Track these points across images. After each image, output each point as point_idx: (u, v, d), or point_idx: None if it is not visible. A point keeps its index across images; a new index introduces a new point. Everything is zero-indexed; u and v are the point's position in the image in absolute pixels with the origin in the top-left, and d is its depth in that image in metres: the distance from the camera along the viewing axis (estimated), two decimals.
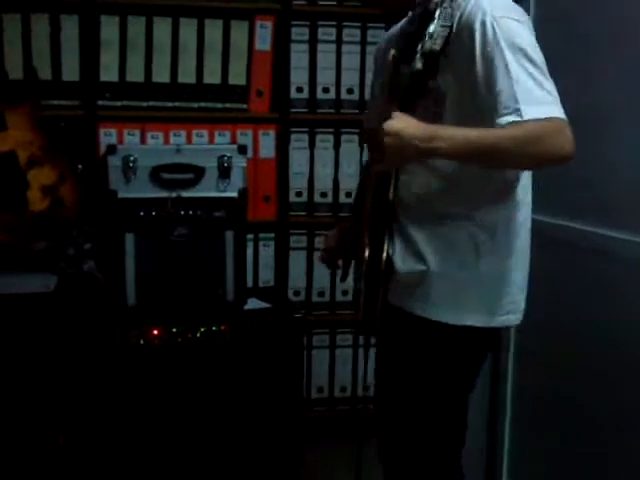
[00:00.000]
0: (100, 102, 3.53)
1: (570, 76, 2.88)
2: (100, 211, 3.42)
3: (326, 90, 3.77)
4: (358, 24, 3.75)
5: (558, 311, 3.00)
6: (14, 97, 3.32)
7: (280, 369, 3.34)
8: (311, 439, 3.51)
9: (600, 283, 2.80)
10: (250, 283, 3.68)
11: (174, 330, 3.23)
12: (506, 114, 1.93)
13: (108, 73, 3.53)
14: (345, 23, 3.75)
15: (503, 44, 1.96)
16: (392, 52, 2.08)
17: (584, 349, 2.86)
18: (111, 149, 3.31)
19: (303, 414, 3.53)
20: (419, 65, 1.96)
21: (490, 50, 1.97)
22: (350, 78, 3.78)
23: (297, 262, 3.80)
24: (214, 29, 3.61)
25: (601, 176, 2.80)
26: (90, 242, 3.43)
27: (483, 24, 1.98)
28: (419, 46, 1.95)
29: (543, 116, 1.92)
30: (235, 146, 3.46)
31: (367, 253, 2.19)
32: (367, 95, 3.78)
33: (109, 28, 3.50)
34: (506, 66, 1.95)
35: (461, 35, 2.00)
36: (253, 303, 3.47)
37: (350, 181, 3.78)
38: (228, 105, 3.67)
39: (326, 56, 3.75)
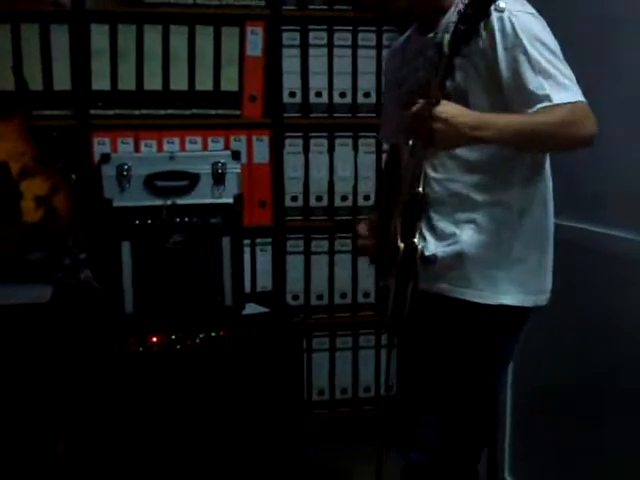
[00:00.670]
0: (92, 111, 3.52)
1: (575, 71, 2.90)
2: (95, 220, 3.40)
3: (319, 94, 3.77)
4: (349, 28, 3.75)
5: (558, 307, 3.00)
6: (4, 108, 3.31)
7: (280, 373, 3.33)
8: (313, 441, 3.50)
9: (600, 281, 2.80)
10: (248, 288, 3.67)
11: (173, 337, 3.22)
12: (537, 102, 2.03)
13: (100, 82, 3.52)
14: (336, 27, 3.74)
15: (523, 37, 2.05)
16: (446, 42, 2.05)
17: (584, 344, 2.86)
18: (105, 158, 3.29)
19: (304, 417, 3.52)
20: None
21: (511, 44, 2.06)
22: (343, 82, 3.78)
23: (295, 266, 3.79)
24: (205, 36, 3.60)
25: (598, 175, 2.80)
26: (86, 252, 3.41)
27: (501, 19, 2.05)
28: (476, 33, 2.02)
29: (572, 100, 2.03)
30: (229, 152, 3.44)
31: (402, 246, 2.19)
32: (360, 99, 3.80)
33: (99, 37, 3.49)
34: (529, 58, 2.04)
35: (479, 33, 2.06)
36: (251, 308, 3.46)
37: (345, 184, 3.79)
38: (221, 111, 3.66)
39: (318, 60, 3.75)
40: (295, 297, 3.83)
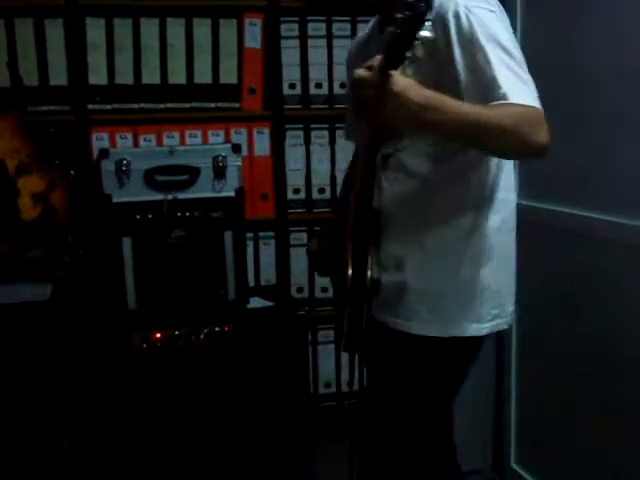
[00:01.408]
0: (90, 106, 3.47)
1: (555, 60, 2.88)
2: (95, 216, 3.37)
3: (319, 85, 3.72)
4: (348, 18, 3.71)
5: (555, 295, 3.00)
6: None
7: (286, 366, 3.30)
8: (320, 434, 3.47)
9: (591, 266, 2.81)
10: (252, 282, 3.64)
11: (177, 333, 3.19)
12: (491, 101, 1.90)
13: (97, 76, 3.47)
14: (334, 18, 3.70)
15: (479, 35, 1.93)
16: (377, 59, 1.85)
17: (583, 332, 2.88)
18: (103, 153, 3.27)
19: (311, 409, 3.51)
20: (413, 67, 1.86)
21: (466, 42, 1.94)
22: (342, 73, 3.70)
23: (298, 259, 3.75)
24: (202, 28, 3.56)
25: (587, 160, 2.80)
26: (85, 248, 3.38)
27: (457, 16, 1.94)
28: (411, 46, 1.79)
29: (527, 103, 1.90)
30: (229, 145, 3.41)
31: (350, 271, 2.12)
32: None
33: (95, 31, 3.44)
34: (485, 58, 1.92)
35: (435, 28, 1.89)
36: (256, 302, 3.43)
37: None
38: (220, 104, 3.62)
39: (317, 51, 3.71)
40: (299, 290, 3.79)
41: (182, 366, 3.19)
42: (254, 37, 3.63)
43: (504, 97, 1.88)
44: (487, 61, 1.91)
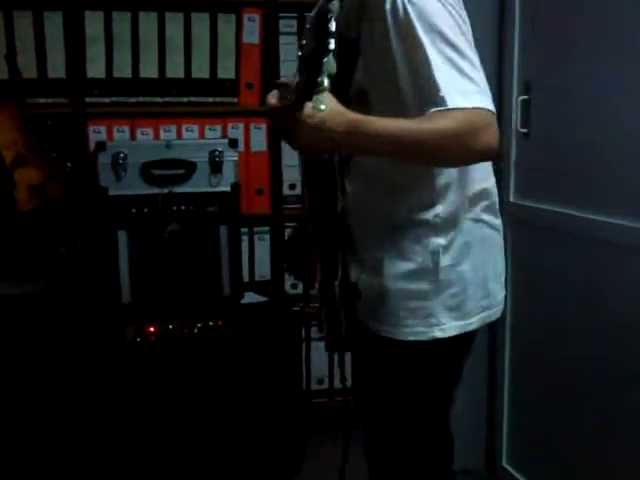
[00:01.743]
0: (88, 99, 3.48)
1: (556, 58, 2.88)
2: (91, 209, 3.38)
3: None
4: None
5: (547, 294, 3.01)
6: None
7: (279, 362, 3.31)
8: (312, 430, 3.48)
9: (584, 265, 2.81)
10: (246, 277, 3.65)
11: (170, 326, 3.20)
12: (431, 105, 1.73)
13: (95, 70, 3.48)
14: None
15: (417, 26, 1.73)
16: (295, 81, 1.74)
17: (576, 331, 2.87)
18: (100, 146, 3.28)
19: (303, 406, 3.52)
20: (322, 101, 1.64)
21: (404, 33, 1.75)
22: None
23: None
24: (201, 23, 3.57)
25: (581, 159, 2.79)
26: (81, 241, 3.39)
27: (394, 3, 1.75)
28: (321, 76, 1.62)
29: (470, 105, 1.72)
30: (226, 140, 3.43)
31: (318, 283, 2.05)
32: None
33: (94, 24, 3.45)
34: (423, 51, 1.73)
35: (372, 23, 1.80)
36: (250, 297, 3.45)
37: None
38: (218, 99, 3.63)
39: None
40: (294, 286, 3.78)
41: (175, 360, 3.20)
42: (252, 32, 3.64)
43: (442, 101, 1.71)
44: (426, 59, 1.73)
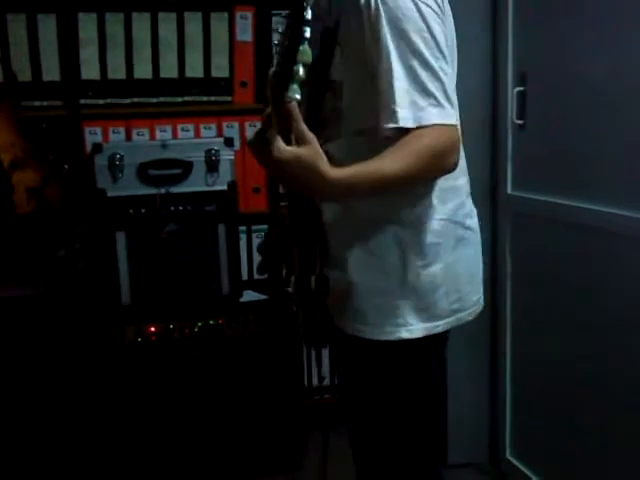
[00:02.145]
0: (83, 101, 3.48)
1: (551, 49, 2.89)
2: (89, 211, 3.38)
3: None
4: None
5: (558, 284, 3.00)
6: None
7: (279, 359, 3.32)
8: (314, 426, 3.48)
9: (582, 255, 2.80)
10: (245, 275, 3.66)
11: (171, 326, 3.21)
12: (386, 116, 1.73)
13: (89, 71, 3.48)
14: None
15: (386, 30, 1.71)
16: (271, 71, 1.64)
17: (577, 323, 2.86)
18: (97, 148, 3.28)
19: (305, 402, 3.52)
20: (297, 95, 1.55)
21: (374, 36, 1.73)
22: None
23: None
24: (194, 22, 3.57)
25: (577, 150, 2.80)
26: (80, 242, 3.39)
27: (368, 3, 1.73)
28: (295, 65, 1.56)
29: (414, 124, 1.71)
30: (222, 139, 3.43)
31: (295, 274, 1.97)
32: None
33: (87, 26, 3.45)
34: (388, 58, 1.72)
35: (348, 13, 1.77)
36: (249, 295, 3.46)
37: None
38: (212, 98, 3.63)
39: None
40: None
41: (176, 359, 3.21)
42: (245, 30, 3.64)
43: (393, 115, 1.71)
44: (389, 65, 1.72)
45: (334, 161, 1.69)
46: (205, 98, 3.62)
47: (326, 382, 3.78)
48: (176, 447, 3.23)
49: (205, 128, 3.59)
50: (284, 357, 3.33)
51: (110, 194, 3.25)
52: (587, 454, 2.87)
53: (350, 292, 1.93)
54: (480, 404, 3.45)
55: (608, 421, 2.73)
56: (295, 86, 1.54)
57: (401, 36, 1.71)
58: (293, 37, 1.52)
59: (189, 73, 3.59)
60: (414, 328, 1.92)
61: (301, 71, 1.53)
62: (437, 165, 1.76)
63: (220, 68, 3.63)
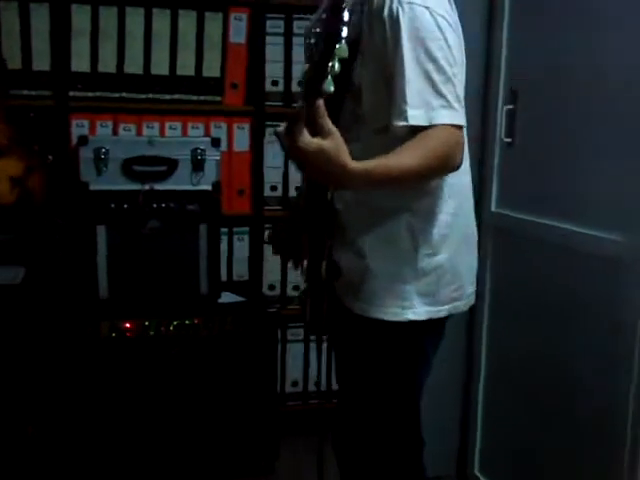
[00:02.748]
0: (72, 93, 3.46)
1: (542, 68, 2.90)
2: (71, 203, 3.36)
3: (302, 84, 3.72)
4: None
5: (525, 300, 3.02)
6: None
7: (254, 363, 3.32)
8: (285, 433, 3.48)
9: (565, 276, 2.81)
10: (224, 277, 3.65)
11: (147, 323, 3.20)
12: (396, 115, 1.89)
13: (79, 63, 3.46)
14: None
15: (404, 36, 1.88)
16: (305, 68, 1.84)
17: (550, 341, 2.88)
18: (82, 140, 3.27)
19: (277, 408, 3.51)
20: (330, 88, 1.68)
21: (394, 43, 1.89)
22: None
23: (272, 256, 3.71)
24: (188, 20, 3.56)
25: (563, 170, 2.81)
26: (60, 234, 3.38)
27: (390, 11, 1.89)
28: (331, 61, 1.70)
29: (426, 123, 1.87)
30: (209, 139, 3.43)
31: (307, 259, 2.17)
32: None
33: (80, 17, 3.44)
34: (402, 61, 1.88)
35: (372, 22, 1.93)
36: (227, 297, 3.45)
37: None
38: (202, 97, 3.62)
39: (301, 49, 3.66)
40: (271, 287, 3.79)
41: (150, 357, 3.20)
42: (239, 32, 3.64)
43: (404, 116, 1.87)
44: (403, 68, 1.88)
45: (354, 159, 1.82)
46: (194, 97, 3.61)
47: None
48: (147, 446, 3.22)
49: (193, 127, 3.59)
50: (259, 359, 3.32)
51: (93, 187, 3.23)
52: (555, 471, 2.88)
53: (363, 275, 2.09)
54: (450, 418, 3.46)
55: (577, 440, 2.75)
56: (330, 80, 1.67)
57: (418, 43, 1.88)
58: (331, 36, 1.67)
59: (180, 71, 3.59)
60: (419, 311, 2.09)
61: (337, 66, 1.67)
62: (445, 163, 1.93)
63: (211, 68, 3.62)
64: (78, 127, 3.45)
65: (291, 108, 3.66)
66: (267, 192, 3.73)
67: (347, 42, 1.67)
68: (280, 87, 3.71)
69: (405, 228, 2.07)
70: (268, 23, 3.66)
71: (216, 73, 3.63)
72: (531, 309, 2.99)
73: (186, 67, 3.59)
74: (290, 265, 2.53)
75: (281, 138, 1.79)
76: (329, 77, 1.67)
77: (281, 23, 3.67)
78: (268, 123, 3.70)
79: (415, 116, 1.87)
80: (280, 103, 3.72)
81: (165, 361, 3.21)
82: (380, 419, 2.23)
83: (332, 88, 1.68)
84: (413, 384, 2.24)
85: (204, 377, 3.25)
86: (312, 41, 1.90)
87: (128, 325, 3.18)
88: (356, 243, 2.10)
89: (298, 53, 3.69)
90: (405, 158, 1.86)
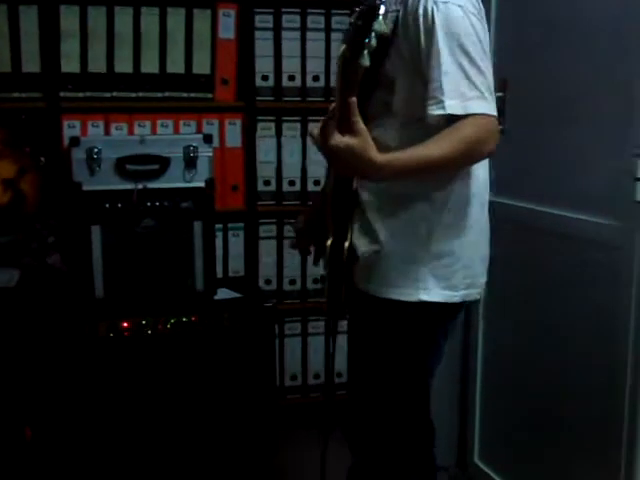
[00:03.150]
0: (62, 94, 3.46)
1: (534, 61, 2.90)
2: (64, 204, 3.37)
3: (292, 78, 3.73)
4: (322, 11, 3.72)
5: (522, 288, 3.02)
6: None
7: (252, 358, 3.32)
8: (285, 426, 3.49)
9: (560, 262, 2.84)
10: (220, 273, 3.65)
11: (144, 322, 3.20)
12: (432, 104, 1.99)
13: (69, 64, 3.46)
14: (309, 10, 3.71)
15: (439, 32, 1.98)
16: (342, 48, 1.97)
17: (547, 322, 2.91)
18: (74, 141, 3.26)
19: (276, 402, 3.53)
20: (366, 62, 1.87)
21: (428, 37, 2.00)
22: (315, 65, 3.75)
23: (267, 251, 3.78)
24: (176, 18, 3.56)
25: (555, 157, 2.83)
26: (54, 235, 3.38)
27: (425, 9, 1.99)
28: (365, 42, 1.89)
29: (463, 112, 1.97)
30: (201, 136, 3.42)
31: (330, 242, 2.22)
32: (333, 82, 3.77)
33: (69, 18, 3.43)
34: (439, 55, 1.98)
35: (407, 20, 2.03)
36: (223, 293, 3.45)
37: (318, 169, 3.74)
38: (193, 94, 3.62)
39: (291, 44, 3.72)
40: (267, 282, 3.81)
41: (148, 355, 3.20)
42: (228, 28, 3.64)
43: (442, 105, 1.97)
44: (439, 62, 1.98)
45: (383, 148, 1.96)
46: (185, 94, 3.61)
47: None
48: (146, 443, 3.22)
49: (184, 125, 3.58)
50: (257, 354, 3.32)
51: (87, 188, 3.23)
52: (555, 460, 2.89)
53: (379, 258, 2.18)
54: (449, 408, 3.46)
55: (576, 427, 2.76)
56: (366, 53, 1.84)
57: (452, 38, 1.98)
58: (369, 12, 1.84)
59: (170, 69, 3.58)
60: (433, 292, 2.17)
61: (374, 41, 1.83)
62: (479, 151, 2.03)
63: (201, 65, 3.62)
64: (70, 128, 3.45)
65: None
66: (260, 187, 3.74)
67: (384, 18, 1.84)
68: (270, 82, 3.71)
69: (421, 216, 2.15)
70: (257, 18, 3.66)
71: (206, 70, 3.63)
72: (526, 295, 3.00)
73: (176, 64, 3.59)
74: (310, 258, 2.60)
75: (315, 137, 1.96)
76: (365, 51, 1.83)
77: (270, 18, 3.68)
78: (259, 118, 3.71)
79: (452, 105, 1.96)
80: (271, 98, 3.73)
81: (163, 359, 3.21)
82: (391, 402, 2.29)
83: (368, 62, 1.85)
84: (424, 368, 2.30)
85: (203, 374, 3.25)
86: (352, 20, 2.00)
87: (125, 324, 3.18)
88: (373, 228, 2.18)
89: (288, 47, 3.72)
90: (434, 147, 1.97)
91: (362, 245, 2.19)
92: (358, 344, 2.38)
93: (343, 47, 1.93)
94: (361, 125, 1.88)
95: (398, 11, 2.04)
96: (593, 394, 2.66)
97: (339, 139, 1.88)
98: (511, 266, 3.07)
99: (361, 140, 1.88)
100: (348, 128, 1.88)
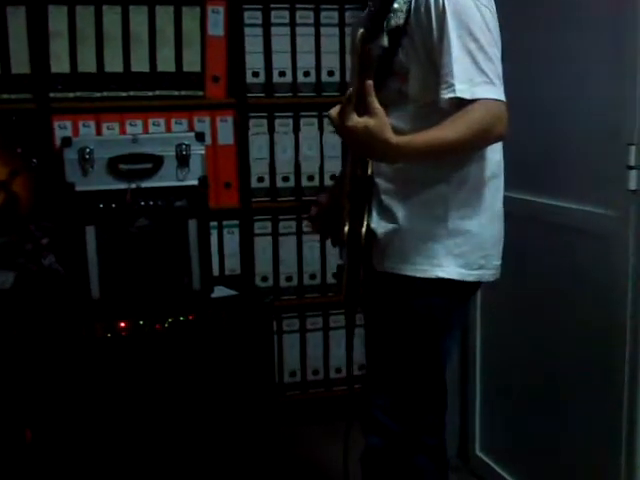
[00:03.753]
0: (53, 94, 3.44)
1: (526, 54, 2.90)
2: (57, 205, 3.35)
3: (282, 74, 3.73)
4: (311, 6, 3.72)
5: (523, 281, 3.02)
6: None
7: (250, 355, 3.31)
8: (285, 423, 3.48)
9: (553, 251, 2.86)
10: (216, 271, 3.63)
11: (141, 322, 3.19)
12: (444, 88, 2.07)
13: (59, 64, 3.44)
14: (298, 5, 3.70)
15: (449, 20, 2.05)
16: (360, 31, 2.04)
17: (542, 311, 2.93)
18: (66, 141, 3.24)
19: (276, 399, 3.52)
20: (385, 42, 2.08)
21: (439, 26, 2.07)
22: (306, 61, 3.74)
23: (263, 248, 3.77)
24: (165, 16, 3.54)
25: (548, 149, 2.85)
26: (48, 236, 3.36)
27: (437, 3, 2.07)
28: (384, 23, 2.11)
29: (470, 97, 2.04)
30: (193, 134, 3.40)
31: (347, 228, 2.26)
32: (324, 77, 3.77)
33: (57, 18, 3.41)
34: (449, 42, 2.06)
35: (419, 10, 2.11)
36: (220, 291, 3.43)
37: (311, 164, 3.77)
38: (184, 92, 3.61)
39: (281, 39, 3.71)
40: (264, 279, 3.80)
41: (146, 355, 3.19)
42: (217, 25, 3.63)
43: (452, 89, 2.04)
44: (449, 49, 2.05)
45: (398, 133, 2.03)
46: (176, 92, 3.60)
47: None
48: (146, 443, 3.21)
49: (176, 123, 3.57)
50: (255, 353, 3.32)
51: (80, 188, 3.21)
52: (556, 450, 2.89)
53: (394, 236, 2.25)
54: (450, 399, 3.46)
55: (578, 418, 2.75)
56: (385, 35, 2.06)
57: (462, 26, 2.06)
58: (385, 3, 2.11)
59: (160, 67, 3.57)
60: (449, 270, 2.23)
61: (392, 21, 2.06)
62: (489, 134, 2.08)
63: (192, 62, 3.60)
64: (61, 128, 3.43)
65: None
66: (254, 184, 3.72)
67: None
68: (261, 78, 3.71)
69: (438, 196, 2.22)
70: (246, 14, 3.65)
71: (197, 67, 3.62)
72: (524, 285, 3.00)
73: (166, 63, 3.57)
74: (329, 242, 2.64)
75: (333, 119, 2.04)
76: (384, 32, 2.03)
77: (259, 14, 3.67)
78: (251, 114, 3.70)
79: (462, 89, 2.04)
80: (262, 94, 3.71)
81: (161, 359, 3.20)
82: (408, 380, 2.33)
83: (386, 43, 2.06)
84: (439, 347, 2.35)
85: (201, 372, 3.24)
86: (370, 3, 2.16)
87: (122, 325, 3.17)
88: (390, 210, 2.25)
89: (277, 43, 3.71)
90: (447, 130, 2.04)
91: (380, 227, 2.25)
92: (376, 326, 2.43)
93: (361, 30, 2.02)
94: (377, 105, 1.96)
95: (410, 2, 2.11)
96: (591, 384, 2.66)
97: (356, 120, 1.97)
98: (504, 255, 3.07)
99: (378, 120, 1.96)
100: (365, 109, 1.97)
